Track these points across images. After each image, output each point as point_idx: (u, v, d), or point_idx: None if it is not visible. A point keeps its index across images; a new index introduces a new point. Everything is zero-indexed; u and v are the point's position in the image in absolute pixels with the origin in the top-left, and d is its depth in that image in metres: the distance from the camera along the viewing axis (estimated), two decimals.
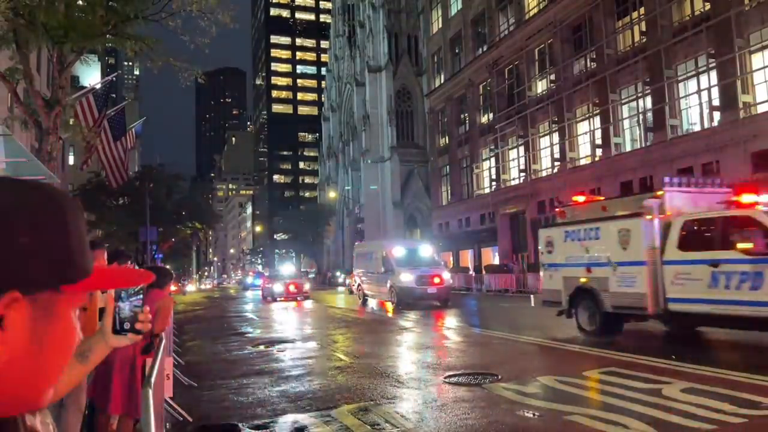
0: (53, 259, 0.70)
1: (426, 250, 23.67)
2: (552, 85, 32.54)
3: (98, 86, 14.16)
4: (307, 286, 31.13)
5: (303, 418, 6.13)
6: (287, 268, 39.48)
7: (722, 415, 5.37)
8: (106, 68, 70.67)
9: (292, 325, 18.04)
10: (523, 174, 34.93)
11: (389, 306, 21.74)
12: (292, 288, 29.56)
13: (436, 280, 20.63)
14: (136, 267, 12.53)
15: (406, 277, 20.56)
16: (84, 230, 0.75)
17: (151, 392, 2.48)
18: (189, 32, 12.29)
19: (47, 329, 0.71)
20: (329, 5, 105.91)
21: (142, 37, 12.21)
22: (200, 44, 12.31)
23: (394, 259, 21.86)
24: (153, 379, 2.65)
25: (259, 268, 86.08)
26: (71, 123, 13.25)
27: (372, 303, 23.93)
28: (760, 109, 21.35)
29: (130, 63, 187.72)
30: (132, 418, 4.57)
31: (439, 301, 20.74)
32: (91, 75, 46.73)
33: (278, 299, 29.27)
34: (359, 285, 25.03)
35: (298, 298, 29.26)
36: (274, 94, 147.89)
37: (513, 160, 36.63)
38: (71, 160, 38.48)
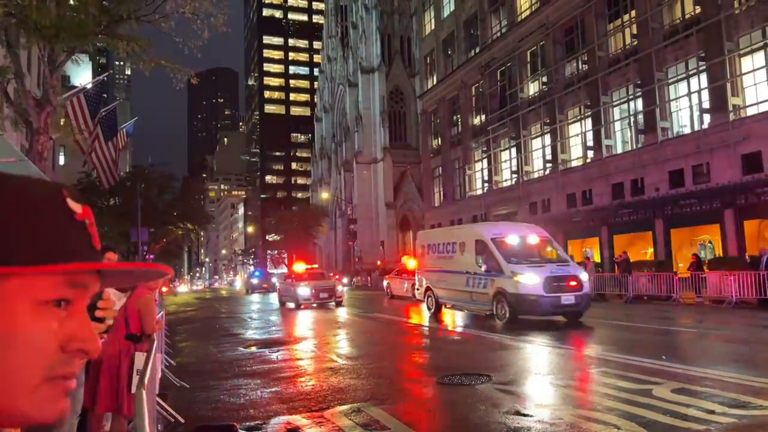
0: None
1: (539, 239, 16.01)
2: (544, 86, 32.67)
3: (89, 86, 14.06)
4: (340, 289, 25.15)
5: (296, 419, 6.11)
6: (311, 266, 31.67)
7: (712, 416, 5.40)
8: (98, 68, 70.30)
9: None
10: (515, 175, 35.05)
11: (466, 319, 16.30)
12: (322, 291, 23.92)
13: (573, 283, 14.03)
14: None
15: (529, 280, 13.88)
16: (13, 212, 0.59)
17: (144, 393, 2.48)
18: (182, 34, 12.27)
19: None
20: (322, 6, 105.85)
21: (134, 37, 12.15)
22: (193, 47, 12.28)
23: (500, 252, 14.90)
24: (146, 381, 2.64)
25: (251, 268, 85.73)
26: (62, 123, 13.17)
27: (443, 313, 17.88)
28: (750, 111, 21.55)
29: (122, 63, 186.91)
30: (125, 418, 4.56)
31: (573, 316, 14.14)
32: (82, 75, 46.44)
33: (302, 305, 23.50)
34: (427, 288, 18.32)
35: (330, 304, 23.92)
36: (267, 94, 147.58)
37: (505, 161, 36.75)
38: (62, 159, 38.25)
